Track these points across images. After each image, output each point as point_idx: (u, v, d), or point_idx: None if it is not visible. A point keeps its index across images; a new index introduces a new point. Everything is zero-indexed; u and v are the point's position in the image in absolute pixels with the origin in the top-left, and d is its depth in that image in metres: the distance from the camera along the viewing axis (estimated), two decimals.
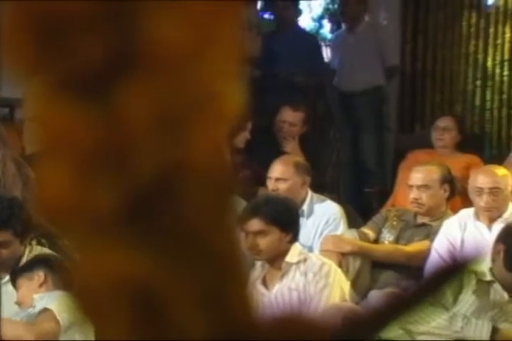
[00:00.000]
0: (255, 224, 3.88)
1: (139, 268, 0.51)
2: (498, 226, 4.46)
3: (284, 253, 3.91)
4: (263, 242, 3.87)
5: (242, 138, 5.60)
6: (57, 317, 3.22)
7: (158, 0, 0.56)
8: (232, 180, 0.54)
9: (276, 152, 5.55)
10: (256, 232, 3.88)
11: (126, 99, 0.51)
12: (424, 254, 4.45)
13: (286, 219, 3.94)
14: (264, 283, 3.96)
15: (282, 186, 4.75)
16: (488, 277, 3.81)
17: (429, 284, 0.59)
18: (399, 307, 0.56)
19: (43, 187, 0.53)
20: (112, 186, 0.50)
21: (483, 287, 3.82)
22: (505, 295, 3.79)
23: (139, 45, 0.54)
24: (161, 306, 0.51)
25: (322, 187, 5.62)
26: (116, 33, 0.53)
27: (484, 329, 3.77)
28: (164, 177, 0.51)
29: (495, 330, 3.77)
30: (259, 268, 4.01)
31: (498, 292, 3.81)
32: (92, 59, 0.51)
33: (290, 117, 5.86)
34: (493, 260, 3.79)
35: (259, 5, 7.05)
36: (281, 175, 4.79)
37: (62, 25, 0.53)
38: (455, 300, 3.83)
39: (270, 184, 4.81)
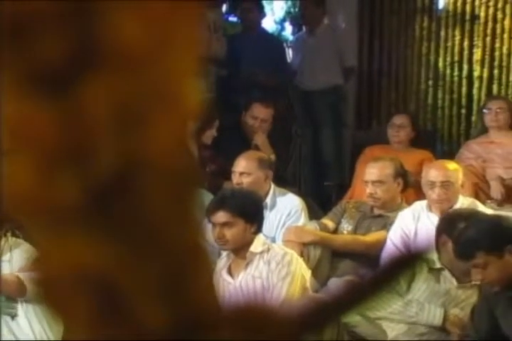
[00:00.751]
0: (221, 216, 3.88)
1: (99, 258, 0.50)
2: None
3: (249, 243, 3.91)
4: (229, 233, 3.87)
5: (210, 135, 5.59)
6: None
7: (120, 0, 0.55)
8: (194, 175, 0.53)
9: (241, 147, 5.54)
10: (222, 224, 3.88)
11: (87, 97, 0.50)
12: (381, 244, 4.47)
13: (250, 211, 3.93)
14: (230, 271, 3.96)
15: (246, 180, 4.75)
16: (438, 265, 3.82)
17: (385, 273, 0.59)
18: (357, 295, 0.55)
19: (9, 181, 0.52)
20: (74, 180, 0.49)
21: (433, 274, 3.83)
22: (454, 282, 3.81)
23: (101, 44, 0.52)
24: (120, 296, 0.50)
25: (284, 181, 5.62)
26: (79, 32, 0.52)
27: (437, 315, 3.79)
28: (124, 172, 0.50)
29: (446, 315, 3.79)
30: (225, 258, 4.01)
31: (447, 279, 3.83)
32: (54, 57, 0.50)
33: (262, 113, 5.87)
34: (439, 251, 3.78)
35: (224, 8, 7.03)
36: (245, 170, 4.79)
37: (26, 24, 0.51)
38: (408, 287, 3.84)
39: (235, 178, 4.80)
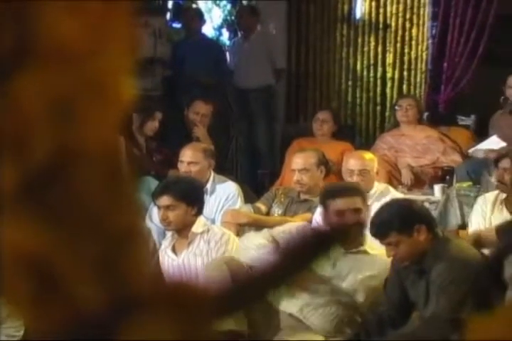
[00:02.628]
0: (165, 200, 3.85)
1: (38, 242, 0.47)
2: None
3: (191, 224, 3.88)
4: (172, 215, 3.84)
5: (151, 127, 5.52)
6: None
7: (57, 0, 0.52)
8: (123, 162, 0.51)
9: (184, 140, 5.51)
10: (166, 207, 3.85)
11: (25, 90, 0.47)
12: (307, 223, 4.48)
13: (191, 196, 3.91)
14: (174, 250, 3.93)
15: (194, 169, 4.71)
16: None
17: (307, 249, 0.57)
18: (280, 272, 0.54)
19: None
20: (12, 167, 0.47)
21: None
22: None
23: (38, 41, 0.50)
24: (59, 277, 0.48)
25: (223, 169, 5.60)
26: (17, 29, 0.49)
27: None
28: (59, 161, 0.47)
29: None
30: (169, 238, 3.98)
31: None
32: None
33: (203, 109, 5.85)
34: None
35: (168, 16, 6.97)
36: (192, 159, 4.75)
37: None
38: (334, 265, 3.73)
39: (183, 167, 4.75)
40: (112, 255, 0.48)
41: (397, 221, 3.23)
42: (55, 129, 0.47)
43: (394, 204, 3.47)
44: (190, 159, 4.74)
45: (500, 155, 4.31)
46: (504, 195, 4.22)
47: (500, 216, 4.15)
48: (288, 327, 3.60)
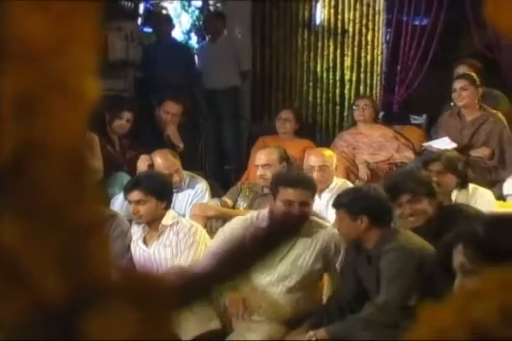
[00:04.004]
0: (136, 194, 3.82)
1: (2, 233, 0.46)
2: (325, 195, 4.53)
3: (161, 217, 3.85)
4: (143, 209, 3.81)
5: (119, 124, 5.46)
6: None
7: (23, 1, 0.50)
8: (87, 157, 0.49)
9: (156, 138, 5.48)
10: (137, 201, 3.82)
11: None
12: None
13: (161, 190, 3.88)
14: (145, 241, 3.90)
15: (176, 180, 4.61)
16: None
17: (265, 239, 0.56)
18: (239, 262, 0.52)
19: None
20: None
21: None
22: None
23: (5, 40, 0.48)
24: (22, 268, 0.46)
25: (192, 166, 5.58)
26: None
27: None
28: (23, 156, 0.45)
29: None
30: (140, 230, 3.94)
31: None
32: None
33: (173, 109, 5.80)
34: None
35: (140, 21, 6.92)
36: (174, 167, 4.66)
37: None
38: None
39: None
40: (74, 247, 0.47)
41: (348, 203, 3.32)
42: (20, 125, 0.46)
43: (362, 190, 3.49)
44: (173, 168, 4.65)
45: (431, 159, 4.28)
46: None
47: None
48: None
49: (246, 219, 3.73)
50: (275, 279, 3.54)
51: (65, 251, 0.47)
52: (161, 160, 4.68)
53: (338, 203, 3.37)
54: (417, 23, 7.08)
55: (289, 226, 0.54)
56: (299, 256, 3.53)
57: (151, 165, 4.73)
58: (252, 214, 3.80)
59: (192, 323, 3.41)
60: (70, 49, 0.52)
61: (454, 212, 3.47)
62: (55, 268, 0.47)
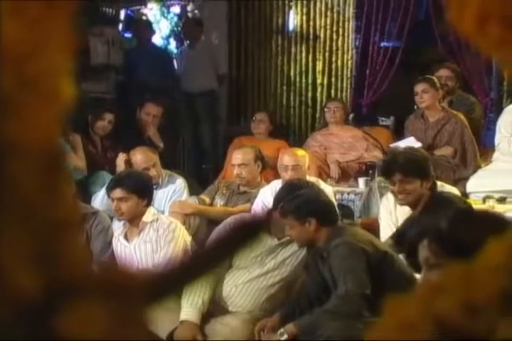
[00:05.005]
0: (118, 192, 3.79)
1: None
2: None
3: (141, 214, 3.83)
4: (124, 206, 3.78)
5: (101, 126, 5.43)
6: None
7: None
8: (62, 156, 0.47)
9: (136, 138, 5.45)
10: (119, 199, 3.79)
11: None
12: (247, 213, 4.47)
13: (142, 189, 3.85)
14: (126, 237, 3.87)
15: (154, 174, 4.59)
16: None
17: (229, 239, 0.55)
18: (204, 261, 0.51)
19: None
20: None
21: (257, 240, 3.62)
22: (276, 241, 3.69)
23: None
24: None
25: (171, 165, 5.55)
26: None
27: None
28: None
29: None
30: (122, 226, 3.92)
31: (266, 239, 3.66)
32: None
33: (153, 111, 5.78)
34: (274, 217, 3.55)
35: (121, 26, 6.87)
36: (150, 164, 4.63)
37: None
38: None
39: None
40: (48, 243, 0.45)
41: (294, 210, 3.34)
42: None
43: (301, 196, 3.48)
44: (148, 164, 4.62)
45: None
46: None
47: (403, 211, 4.21)
48: (218, 312, 3.58)
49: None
50: (263, 272, 3.61)
51: (38, 247, 0.45)
52: (140, 156, 4.66)
53: (285, 211, 3.36)
54: (384, 29, 7.12)
55: (252, 229, 0.53)
56: (288, 256, 3.64)
57: (128, 161, 4.71)
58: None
59: (167, 319, 3.41)
60: (45, 51, 0.50)
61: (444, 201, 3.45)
62: (29, 266, 0.45)
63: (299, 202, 3.37)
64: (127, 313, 0.45)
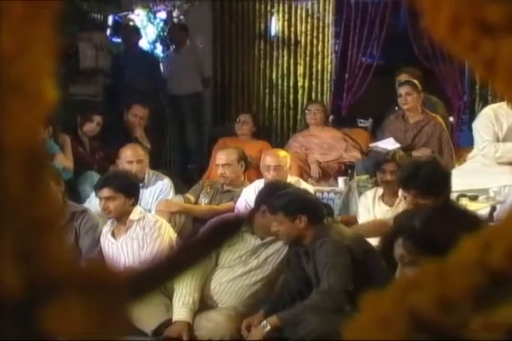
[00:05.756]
0: (106, 191, 3.76)
1: None
2: None
3: (128, 212, 3.81)
4: (112, 205, 3.76)
5: (90, 127, 5.40)
6: None
7: None
8: (44, 156, 0.46)
9: (124, 139, 5.42)
10: (106, 198, 3.76)
11: None
12: (230, 211, 4.45)
13: (129, 188, 3.83)
14: (114, 234, 3.85)
15: (138, 168, 4.57)
16: (243, 228, 3.64)
17: (210, 236, 0.54)
18: (184, 257, 0.50)
19: None
20: None
21: (236, 237, 3.62)
22: (259, 241, 3.68)
23: None
24: None
25: (158, 164, 5.54)
26: None
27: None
28: None
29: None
30: (110, 224, 3.89)
31: (249, 239, 3.67)
32: None
33: (140, 112, 5.77)
34: (256, 217, 3.63)
35: (109, 31, 6.84)
36: (138, 158, 4.62)
37: None
38: (217, 254, 3.64)
39: (131, 166, 4.60)
40: (30, 243, 0.44)
41: (287, 206, 3.30)
42: None
43: (291, 193, 3.46)
44: (137, 158, 4.61)
45: (385, 160, 4.31)
46: (381, 192, 4.27)
47: (381, 209, 4.23)
48: (203, 308, 3.56)
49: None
50: (246, 271, 3.60)
51: (21, 245, 0.44)
52: (129, 150, 4.66)
53: (275, 207, 3.31)
54: (362, 35, 7.14)
55: (232, 225, 0.52)
56: (270, 254, 3.63)
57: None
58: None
59: (151, 314, 3.40)
60: (29, 53, 0.49)
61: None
62: (12, 264, 0.44)
63: (290, 198, 3.33)
64: (108, 310, 0.44)
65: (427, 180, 3.25)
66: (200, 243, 0.51)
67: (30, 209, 0.44)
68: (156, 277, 0.47)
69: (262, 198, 3.62)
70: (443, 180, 3.34)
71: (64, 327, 0.43)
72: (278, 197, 3.36)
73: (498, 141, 4.82)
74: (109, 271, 0.45)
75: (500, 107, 4.86)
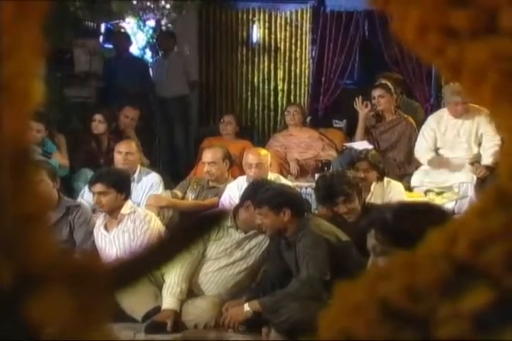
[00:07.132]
0: (98, 187, 3.74)
1: None
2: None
3: (120, 207, 3.78)
4: (104, 200, 3.74)
5: (93, 126, 5.37)
6: None
7: None
8: (30, 153, 0.45)
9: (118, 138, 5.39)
10: (99, 193, 3.74)
11: None
12: (215, 206, 4.44)
13: (120, 183, 3.81)
14: (106, 228, 3.83)
15: (130, 158, 4.58)
16: (229, 223, 3.64)
17: (193, 228, 0.52)
18: (168, 249, 0.49)
19: None
20: None
21: (222, 231, 3.64)
22: (243, 234, 3.67)
23: None
24: None
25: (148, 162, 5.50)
26: None
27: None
28: None
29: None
30: (102, 218, 3.86)
31: (234, 233, 3.66)
32: None
33: (131, 114, 5.73)
34: (240, 212, 3.62)
35: (101, 38, 6.80)
36: (129, 150, 4.62)
37: None
38: (204, 248, 3.65)
39: (121, 157, 4.61)
40: (16, 235, 0.43)
41: (269, 199, 3.29)
42: None
43: (276, 188, 3.46)
44: (128, 150, 4.63)
45: (358, 158, 4.29)
46: None
47: None
48: (189, 296, 3.55)
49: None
50: (231, 262, 3.60)
51: (7, 240, 0.43)
52: (123, 144, 4.67)
53: (260, 201, 3.30)
54: (337, 42, 7.15)
55: (214, 218, 0.51)
56: (253, 246, 3.63)
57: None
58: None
59: (141, 302, 3.38)
60: (17, 54, 0.47)
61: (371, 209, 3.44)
62: (1, 255, 0.42)
63: (274, 193, 3.33)
64: (92, 300, 0.43)
65: (349, 184, 3.51)
66: (183, 234, 0.50)
67: (16, 204, 0.43)
68: (141, 266, 0.46)
69: (247, 195, 3.62)
70: (355, 181, 3.58)
71: (49, 317, 0.41)
72: (263, 192, 3.36)
73: (435, 146, 4.91)
74: (93, 262, 0.44)
75: (443, 112, 4.93)
